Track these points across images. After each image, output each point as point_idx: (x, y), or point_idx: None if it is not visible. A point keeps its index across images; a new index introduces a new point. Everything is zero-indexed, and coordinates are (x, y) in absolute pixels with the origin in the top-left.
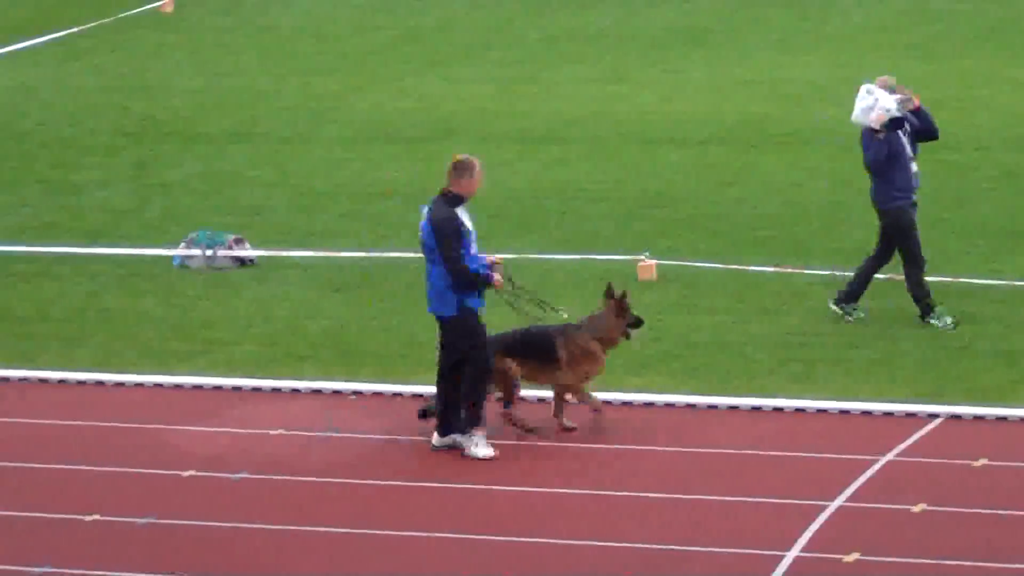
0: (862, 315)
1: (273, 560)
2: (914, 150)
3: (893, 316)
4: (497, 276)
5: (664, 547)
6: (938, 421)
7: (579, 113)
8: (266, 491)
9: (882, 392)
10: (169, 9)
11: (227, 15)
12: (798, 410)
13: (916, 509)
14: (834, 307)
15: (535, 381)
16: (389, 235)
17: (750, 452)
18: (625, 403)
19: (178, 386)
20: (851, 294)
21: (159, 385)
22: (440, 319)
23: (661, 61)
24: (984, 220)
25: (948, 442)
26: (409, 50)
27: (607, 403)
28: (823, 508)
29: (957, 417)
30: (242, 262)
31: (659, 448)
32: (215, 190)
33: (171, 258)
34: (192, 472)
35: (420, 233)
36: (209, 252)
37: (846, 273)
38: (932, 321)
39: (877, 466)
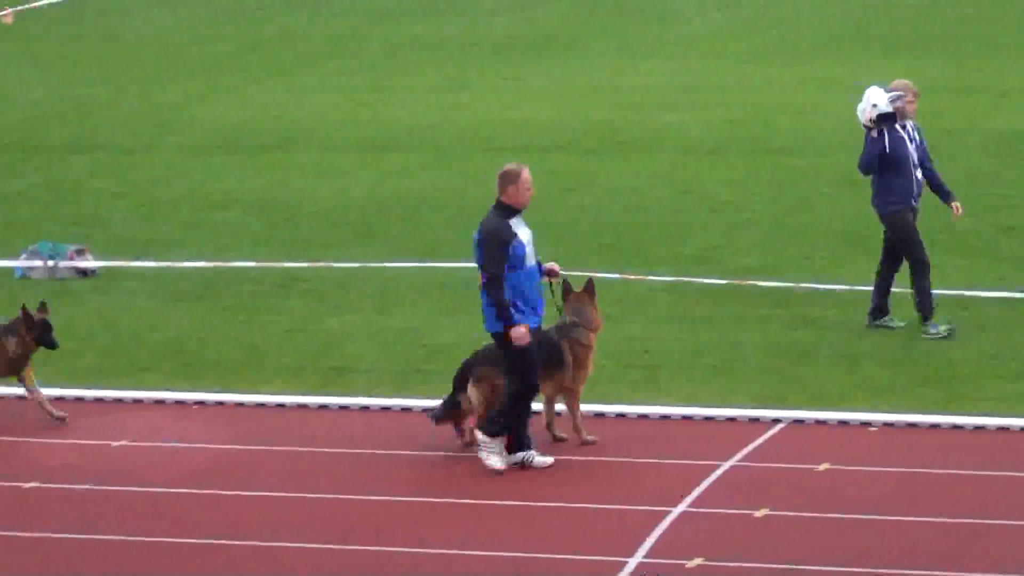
0: (901, 324)
1: (119, 571)
2: (924, 160)
3: (735, 321)
4: (519, 330)
5: (508, 554)
6: (780, 426)
7: (421, 121)
8: (111, 502)
9: (725, 398)
10: (9, 20)
11: (68, 25)
12: (641, 416)
13: (759, 514)
14: (871, 327)
15: (560, 394)
16: (231, 245)
17: (593, 459)
18: None
19: (21, 397)
20: (878, 308)
21: (0, 397)
22: (492, 335)
23: (503, 69)
24: (825, 225)
25: (790, 447)
26: (251, 59)
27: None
28: (666, 514)
29: (799, 422)
30: (84, 273)
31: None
32: (56, 200)
33: (12, 269)
34: (35, 484)
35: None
36: (51, 263)
37: (689, 279)
38: (927, 331)
39: (720, 471)
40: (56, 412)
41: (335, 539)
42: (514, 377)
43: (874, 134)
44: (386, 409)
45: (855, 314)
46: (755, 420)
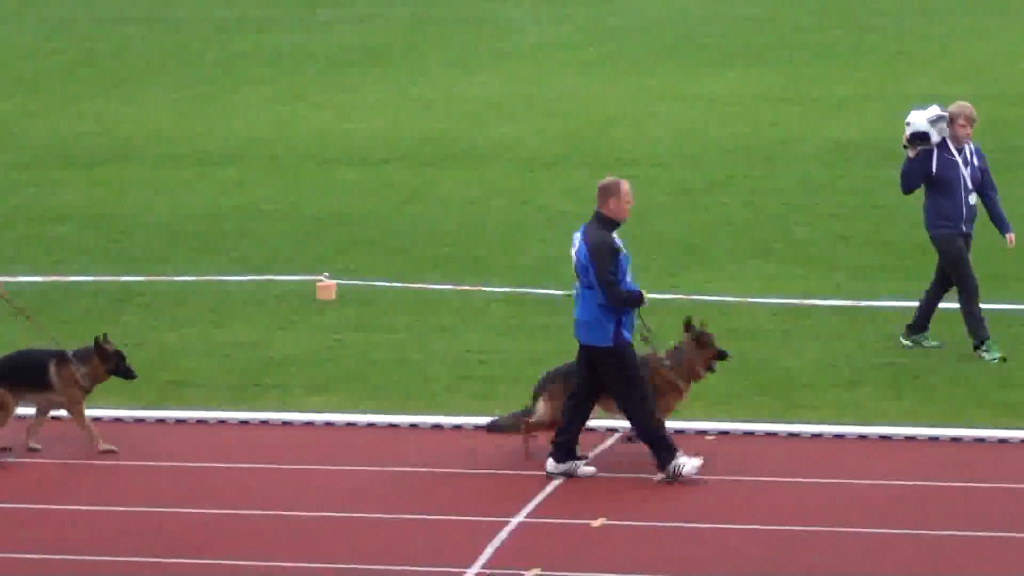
0: (935, 344)
1: None
2: (983, 185)
3: (569, 331)
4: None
5: (346, 566)
6: (617, 436)
7: (257, 134)
8: None
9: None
10: None
11: None
12: (479, 427)
13: (596, 524)
14: (905, 341)
15: (611, 411)
16: (66, 259)
17: (431, 470)
18: (307, 423)
19: None
20: (916, 326)
21: None
22: (592, 349)
23: (339, 81)
24: (661, 235)
25: (626, 456)
26: (85, 73)
27: (288, 424)
28: (504, 524)
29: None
30: None
31: (340, 467)
32: None
33: None
34: None
35: (574, 259)
36: None
37: (526, 290)
38: (981, 355)
39: (558, 481)
40: (105, 445)
41: (180, 553)
42: (632, 393)
43: (910, 153)
44: (222, 422)
45: None
46: (592, 430)
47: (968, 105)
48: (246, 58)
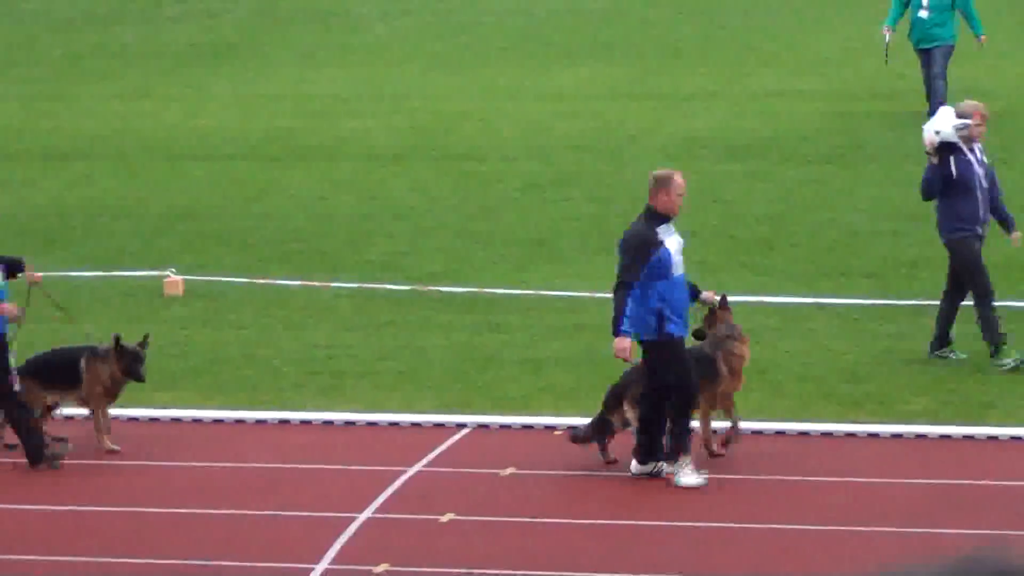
0: (963, 356)
1: None
2: (991, 185)
3: (420, 326)
4: (623, 343)
5: (195, 562)
6: (465, 431)
7: (104, 130)
8: None
9: (410, 403)
10: None
11: None
12: (326, 423)
13: (444, 519)
14: (933, 356)
15: (726, 411)
16: None
17: (279, 466)
18: (153, 419)
19: None
20: (939, 340)
21: None
22: (640, 343)
23: (186, 77)
24: (510, 230)
25: (476, 451)
26: None
27: (134, 420)
28: (352, 520)
29: (484, 426)
30: None
31: (188, 464)
32: None
33: None
34: None
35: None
36: None
37: (374, 286)
38: (997, 363)
39: (405, 477)
40: (109, 444)
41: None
42: (678, 388)
43: (934, 160)
44: (68, 419)
45: (539, 318)
46: (440, 425)
47: (980, 103)
48: (93, 54)
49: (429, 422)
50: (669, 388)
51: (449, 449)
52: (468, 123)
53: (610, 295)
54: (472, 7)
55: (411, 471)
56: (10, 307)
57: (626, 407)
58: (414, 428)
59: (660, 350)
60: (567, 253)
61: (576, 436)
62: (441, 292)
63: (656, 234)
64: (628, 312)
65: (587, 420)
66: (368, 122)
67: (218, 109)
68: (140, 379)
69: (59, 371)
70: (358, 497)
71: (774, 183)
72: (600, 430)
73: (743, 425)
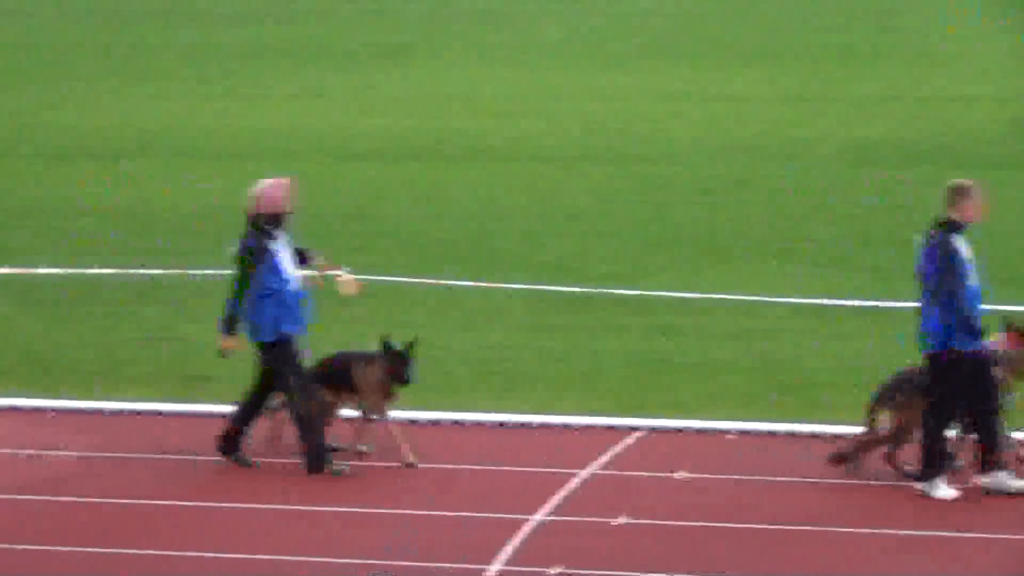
0: None
1: None
2: None
3: (592, 329)
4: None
5: (365, 561)
6: (638, 434)
7: (277, 128)
8: None
9: (583, 406)
10: None
11: None
12: (499, 424)
13: (617, 522)
14: None
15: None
16: (88, 252)
17: (452, 466)
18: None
19: None
20: None
21: None
22: (928, 358)
23: (359, 77)
24: (683, 233)
25: (648, 455)
26: (107, 66)
27: None
28: (525, 522)
29: (657, 430)
30: None
31: (360, 463)
32: None
33: None
34: None
35: (916, 263)
36: None
37: (547, 288)
38: None
39: (578, 479)
40: (410, 457)
41: (193, 547)
42: (980, 401)
43: None
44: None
45: (712, 322)
46: (613, 428)
47: None
48: (267, 52)
49: (602, 425)
50: (954, 401)
51: (622, 452)
52: (642, 125)
53: (780, 299)
54: (647, 10)
55: (584, 473)
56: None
57: (886, 414)
58: (587, 430)
59: (941, 364)
60: (741, 257)
61: (838, 457)
62: (614, 295)
63: (956, 245)
64: (927, 322)
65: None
66: (542, 123)
67: (391, 109)
68: (406, 382)
69: (337, 375)
70: (531, 499)
71: None
72: (863, 443)
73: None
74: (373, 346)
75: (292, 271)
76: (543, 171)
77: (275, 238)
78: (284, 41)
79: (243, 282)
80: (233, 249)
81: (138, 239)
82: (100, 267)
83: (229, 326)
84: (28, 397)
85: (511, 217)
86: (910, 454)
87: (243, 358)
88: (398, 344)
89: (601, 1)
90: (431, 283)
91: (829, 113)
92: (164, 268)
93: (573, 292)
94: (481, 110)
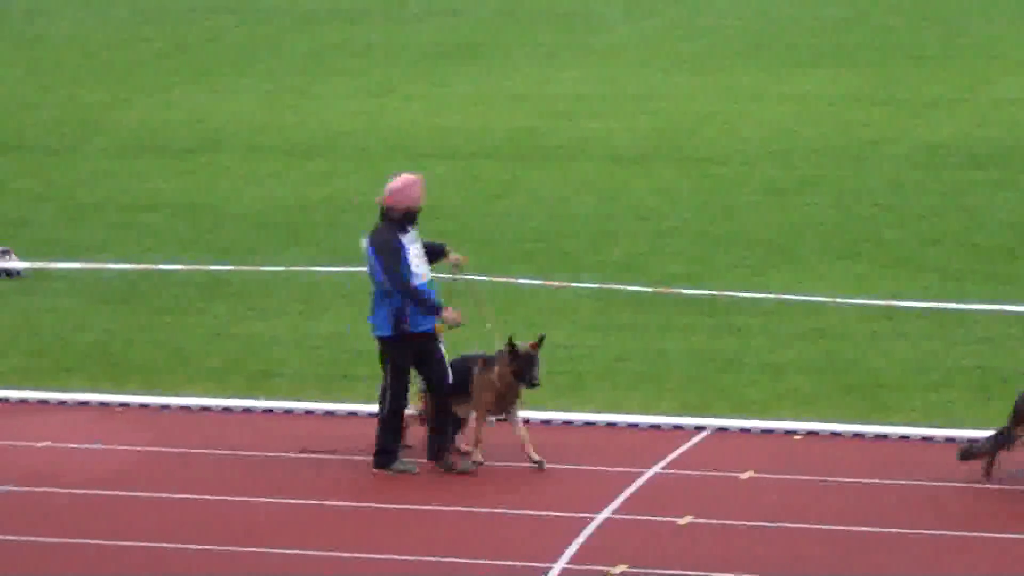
0: None
1: (40, 573)
2: None
3: (660, 328)
4: None
5: (430, 559)
6: (704, 434)
7: (346, 126)
8: (32, 504)
9: (649, 405)
10: None
11: None
12: (566, 422)
13: (682, 521)
14: None
15: None
16: (156, 247)
17: (518, 464)
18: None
19: None
20: None
21: None
22: None
23: (429, 75)
24: (751, 233)
25: (714, 455)
26: (176, 62)
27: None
28: (590, 520)
29: (724, 430)
30: (8, 274)
31: (418, 460)
32: None
33: None
34: None
35: None
36: None
37: (615, 287)
38: None
39: (644, 479)
40: (535, 456)
41: (255, 543)
42: None
43: None
44: (310, 413)
45: (779, 322)
46: (679, 428)
47: None
48: (336, 50)
49: (668, 424)
50: None
51: (688, 451)
52: (710, 125)
53: (848, 300)
54: (715, 9)
55: (649, 472)
56: (452, 314)
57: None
58: (653, 430)
59: None
60: (808, 257)
61: (969, 453)
62: (682, 294)
63: None
64: None
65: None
66: (610, 123)
67: (460, 107)
68: (533, 384)
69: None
70: (596, 498)
71: (1018, 191)
72: (999, 444)
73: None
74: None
75: (419, 268)
76: (611, 171)
77: (406, 232)
78: (353, 39)
79: (399, 268)
80: (364, 241)
81: (206, 234)
82: (168, 263)
83: (434, 308)
84: (96, 392)
85: (579, 216)
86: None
87: (311, 355)
88: (523, 344)
89: (670, 3)
90: (500, 281)
91: (898, 114)
92: (231, 264)
93: (641, 292)
94: (549, 110)
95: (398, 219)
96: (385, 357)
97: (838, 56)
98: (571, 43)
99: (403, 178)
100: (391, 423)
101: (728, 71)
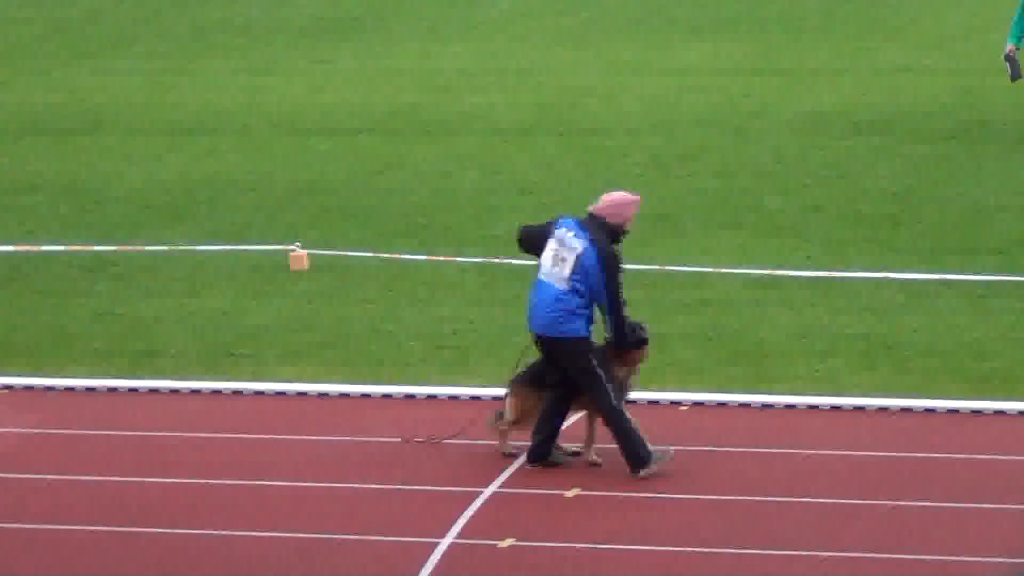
0: None
1: None
2: None
3: None
4: None
5: (318, 536)
6: None
7: (229, 104)
8: None
9: None
10: None
11: None
12: (451, 397)
13: (570, 494)
14: None
15: None
16: (38, 228)
17: (403, 440)
18: (278, 393)
19: None
20: None
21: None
22: None
23: (310, 51)
24: None
25: (601, 426)
26: (56, 42)
27: (260, 394)
28: (477, 494)
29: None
30: None
31: (311, 437)
32: None
33: None
34: None
35: None
36: None
37: (499, 261)
38: None
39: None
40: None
41: (142, 523)
42: None
43: None
44: (196, 392)
45: (663, 293)
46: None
47: None
48: (217, 28)
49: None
50: None
51: (575, 424)
52: (592, 98)
53: (732, 270)
54: None
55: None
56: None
57: None
58: None
59: None
60: (691, 228)
61: None
62: None
63: None
64: None
65: None
66: (492, 97)
67: (342, 84)
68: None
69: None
70: (483, 471)
71: (900, 159)
72: None
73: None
74: None
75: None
76: (494, 145)
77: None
78: (233, 16)
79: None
80: (580, 240)
81: (88, 215)
82: (51, 243)
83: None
84: None
85: (462, 191)
86: None
87: (195, 334)
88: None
89: None
90: (384, 257)
91: (779, 85)
92: (115, 244)
93: (525, 265)
94: (432, 84)
95: (609, 232)
96: (581, 359)
97: (719, 26)
98: (453, 17)
99: (624, 195)
100: (626, 424)
101: (609, 44)
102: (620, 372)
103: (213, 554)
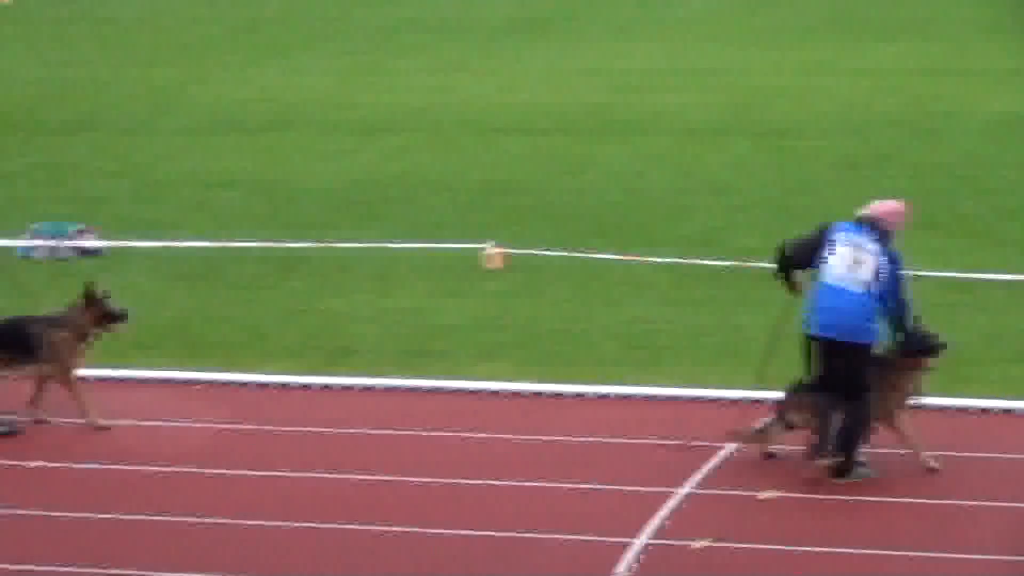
0: None
1: (121, 551)
2: None
3: (736, 302)
4: None
5: (512, 534)
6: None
7: (419, 103)
8: (114, 481)
9: (728, 380)
10: (7, 0)
11: (66, 6)
12: (645, 397)
13: (764, 496)
14: None
15: None
16: (232, 225)
17: (597, 439)
18: (472, 392)
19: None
20: None
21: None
22: None
23: (501, 51)
24: (825, 207)
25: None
26: (249, 40)
27: (452, 392)
28: (671, 495)
29: None
30: (86, 253)
31: (506, 436)
32: (57, 181)
33: (14, 249)
34: (39, 463)
35: None
36: (53, 243)
37: (691, 261)
38: None
39: (725, 453)
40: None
41: (335, 519)
42: None
43: None
44: (390, 389)
45: None
46: (759, 402)
47: None
48: (408, 27)
49: (748, 399)
50: None
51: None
52: (783, 99)
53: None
54: None
55: (730, 447)
56: None
57: None
58: (733, 404)
59: None
60: None
61: None
62: (758, 268)
63: None
64: None
65: None
66: (684, 97)
67: (533, 83)
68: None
69: None
70: (677, 472)
71: None
72: None
73: None
74: None
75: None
76: (686, 145)
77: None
78: (426, 15)
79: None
80: (873, 244)
81: (282, 212)
82: (244, 240)
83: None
84: (175, 370)
85: (654, 191)
86: None
87: (388, 331)
88: None
89: None
90: (577, 256)
91: (972, 86)
92: (308, 241)
93: (717, 265)
94: (623, 84)
95: (881, 235)
96: (861, 367)
97: (912, 29)
98: (644, 17)
99: (899, 203)
100: (860, 435)
101: (802, 44)
102: (904, 378)
103: (405, 551)
